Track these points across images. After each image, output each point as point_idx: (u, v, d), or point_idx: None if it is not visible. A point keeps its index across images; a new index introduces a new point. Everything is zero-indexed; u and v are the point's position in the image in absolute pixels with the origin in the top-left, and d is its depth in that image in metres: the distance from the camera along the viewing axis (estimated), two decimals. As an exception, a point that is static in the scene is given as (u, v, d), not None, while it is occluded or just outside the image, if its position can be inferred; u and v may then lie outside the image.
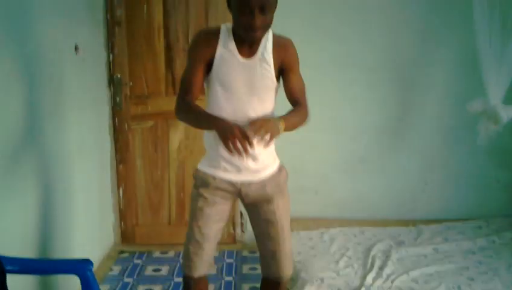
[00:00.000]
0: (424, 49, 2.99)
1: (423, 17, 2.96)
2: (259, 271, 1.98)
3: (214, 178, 1.76)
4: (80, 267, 1.67)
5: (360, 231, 2.95)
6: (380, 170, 3.15)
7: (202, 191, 1.78)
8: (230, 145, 1.51)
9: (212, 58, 1.66)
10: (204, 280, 1.90)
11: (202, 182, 1.79)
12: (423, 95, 3.06)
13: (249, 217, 1.91)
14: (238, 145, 1.50)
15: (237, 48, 1.65)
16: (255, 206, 1.82)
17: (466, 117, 2.97)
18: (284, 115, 1.68)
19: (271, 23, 1.61)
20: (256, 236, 1.90)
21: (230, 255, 3.05)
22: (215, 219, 1.79)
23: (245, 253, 3.11)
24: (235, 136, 1.50)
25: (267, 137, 1.55)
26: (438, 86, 3.03)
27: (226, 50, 1.65)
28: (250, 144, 1.52)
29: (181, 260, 1.92)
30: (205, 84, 1.76)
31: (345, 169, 3.15)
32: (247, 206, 1.87)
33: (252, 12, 1.52)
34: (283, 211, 1.84)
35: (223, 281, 2.75)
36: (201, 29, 1.85)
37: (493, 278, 2.36)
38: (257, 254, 2.00)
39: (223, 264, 2.93)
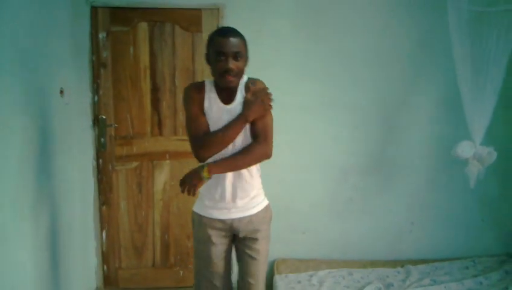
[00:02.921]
0: (409, 89, 3.05)
1: (408, 57, 3.02)
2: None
3: (209, 219, 1.93)
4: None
5: (349, 272, 2.91)
6: (367, 210, 3.14)
7: (199, 231, 1.95)
8: None
9: (202, 105, 1.88)
10: None
11: (198, 223, 1.96)
12: (409, 135, 3.09)
13: (236, 253, 2.04)
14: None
15: (219, 96, 1.88)
16: (243, 244, 1.97)
17: (451, 157, 3.00)
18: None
19: (243, 70, 1.86)
20: (239, 271, 2.03)
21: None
22: (220, 257, 1.95)
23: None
24: None
25: None
26: (423, 126, 3.08)
27: (212, 98, 1.88)
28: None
29: None
30: None
31: (333, 209, 3.13)
32: (238, 242, 1.99)
33: (226, 58, 1.77)
34: (265, 251, 2.00)
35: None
36: (190, 84, 2.03)
37: (482, 322, 2.34)
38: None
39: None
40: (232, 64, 1.77)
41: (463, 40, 2.69)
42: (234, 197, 1.90)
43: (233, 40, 1.77)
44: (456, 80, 2.75)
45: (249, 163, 1.87)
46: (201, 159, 1.85)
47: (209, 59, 1.85)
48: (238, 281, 2.04)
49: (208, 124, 1.86)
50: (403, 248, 3.17)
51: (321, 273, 2.88)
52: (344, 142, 3.07)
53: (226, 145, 1.83)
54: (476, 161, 2.65)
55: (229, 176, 1.88)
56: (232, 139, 1.83)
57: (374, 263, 3.04)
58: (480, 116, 2.72)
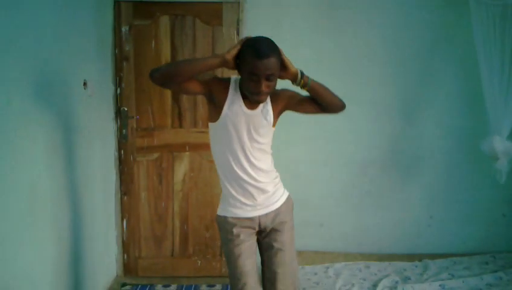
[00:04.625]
0: (428, 83, 3.03)
1: (428, 51, 3.01)
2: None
3: (234, 218, 1.91)
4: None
5: (366, 265, 2.91)
6: (386, 204, 3.14)
7: (227, 234, 1.93)
8: None
9: (219, 100, 1.84)
10: None
11: (224, 225, 1.94)
12: (428, 129, 3.08)
13: (261, 247, 2.00)
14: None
15: (243, 99, 1.84)
16: (269, 237, 1.96)
17: (471, 151, 2.99)
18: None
19: (275, 87, 1.80)
20: (266, 264, 1.98)
21: None
22: (247, 255, 1.91)
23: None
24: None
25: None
26: (442, 120, 3.06)
27: (235, 99, 1.84)
28: None
29: None
30: (212, 129, 1.92)
31: (351, 203, 3.14)
32: (263, 237, 1.98)
33: (259, 80, 1.71)
34: (291, 241, 2.00)
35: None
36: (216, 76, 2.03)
37: (501, 316, 2.32)
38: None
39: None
40: (265, 86, 1.72)
41: (486, 35, 2.68)
42: (254, 195, 1.89)
43: (267, 62, 1.68)
44: (476, 73, 2.74)
45: (334, 99, 1.89)
46: (154, 74, 1.75)
47: (240, 69, 1.77)
48: (264, 273, 1.99)
49: (190, 83, 1.79)
50: (421, 242, 3.15)
51: (337, 265, 2.90)
52: (363, 136, 3.08)
53: (188, 70, 1.74)
54: (505, 156, 2.64)
55: (244, 175, 1.87)
56: (195, 68, 1.75)
57: (391, 257, 3.04)
58: (504, 112, 2.70)
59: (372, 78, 3.00)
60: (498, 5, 2.62)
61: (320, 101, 1.88)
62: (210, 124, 1.91)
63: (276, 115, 1.92)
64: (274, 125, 1.92)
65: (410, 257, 3.03)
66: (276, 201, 1.95)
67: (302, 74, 1.82)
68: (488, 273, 2.77)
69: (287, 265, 1.94)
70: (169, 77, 1.75)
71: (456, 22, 2.96)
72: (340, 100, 1.92)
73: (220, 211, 1.96)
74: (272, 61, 1.70)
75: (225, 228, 1.93)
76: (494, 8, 2.65)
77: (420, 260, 2.99)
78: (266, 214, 1.92)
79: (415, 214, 3.15)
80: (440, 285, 2.64)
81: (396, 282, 2.69)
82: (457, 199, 3.12)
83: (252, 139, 1.86)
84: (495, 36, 2.67)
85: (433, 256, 3.04)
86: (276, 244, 1.93)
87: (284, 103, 1.91)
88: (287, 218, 1.98)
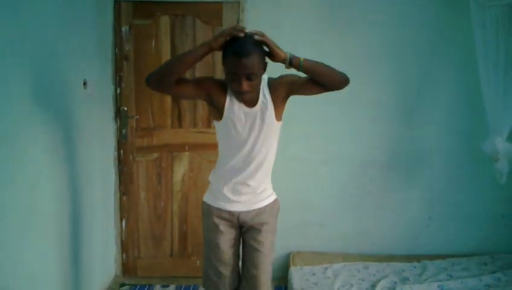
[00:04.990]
0: (429, 84, 3.04)
1: (429, 52, 3.01)
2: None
3: (216, 208, 1.96)
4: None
5: (364, 266, 2.92)
6: (385, 205, 3.14)
7: (208, 220, 1.98)
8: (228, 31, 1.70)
9: (218, 102, 1.85)
10: None
11: (207, 212, 1.99)
12: (428, 130, 3.08)
13: (242, 244, 2.05)
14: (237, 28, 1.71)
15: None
16: (248, 234, 2.00)
17: (471, 152, 3.00)
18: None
19: (259, 85, 1.80)
20: (243, 261, 2.05)
21: None
22: (227, 246, 1.97)
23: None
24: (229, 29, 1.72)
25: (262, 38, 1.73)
26: (443, 120, 3.07)
27: (233, 99, 1.84)
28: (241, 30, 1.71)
29: (203, 282, 2.07)
30: (216, 127, 1.93)
31: (350, 203, 3.15)
32: (244, 233, 2.02)
33: (239, 79, 1.71)
34: (270, 243, 2.01)
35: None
36: (212, 77, 2.04)
37: (500, 317, 2.32)
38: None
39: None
40: (246, 85, 1.72)
41: (486, 36, 2.69)
42: (242, 193, 1.93)
43: (246, 60, 1.67)
44: (476, 75, 2.75)
45: (334, 75, 1.82)
46: (149, 79, 1.78)
47: (224, 70, 1.78)
48: (242, 271, 2.05)
49: (186, 83, 1.82)
50: (420, 243, 3.16)
51: (336, 266, 2.90)
52: (363, 137, 3.08)
53: (179, 65, 1.74)
54: (505, 157, 2.65)
55: (243, 174, 1.90)
56: (185, 61, 1.74)
57: (390, 258, 3.04)
58: (503, 113, 2.71)
59: (372, 78, 3.00)
60: (498, 5, 2.63)
61: (319, 80, 1.81)
62: (214, 122, 1.93)
63: (280, 106, 1.88)
64: (279, 119, 1.89)
65: (409, 258, 3.04)
66: (261, 201, 1.97)
67: (291, 56, 1.77)
68: (487, 274, 2.78)
69: (262, 267, 1.98)
70: (163, 78, 1.75)
71: (456, 23, 2.96)
72: (342, 74, 1.84)
73: (205, 198, 2.02)
74: (252, 59, 1.68)
75: (208, 215, 1.98)
76: (494, 9, 2.65)
77: (419, 261, 2.99)
78: (247, 211, 1.95)
79: (414, 214, 3.15)
80: (438, 286, 2.64)
81: (395, 283, 2.69)
82: (456, 200, 3.13)
83: (255, 137, 1.86)
84: (495, 37, 2.68)
85: (432, 257, 3.04)
86: (254, 244, 1.97)
87: (284, 90, 1.86)
88: (269, 220, 1.99)
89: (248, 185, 1.92)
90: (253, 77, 1.72)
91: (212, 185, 2.01)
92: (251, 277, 1.99)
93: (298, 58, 1.77)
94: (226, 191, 1.93)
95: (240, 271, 2.07)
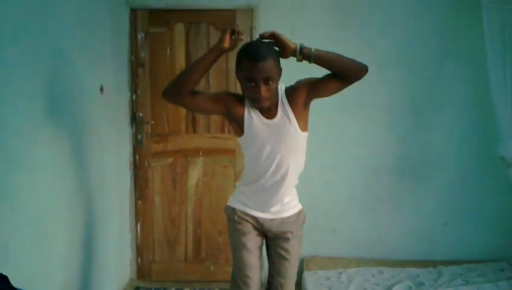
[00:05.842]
0: (439, 88, 3.03)
1: (439, 56, 3.02)
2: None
3: (241, 211, 1.95)
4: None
5: (379, 271, 2.90)
6: (399, 210, 3.13)
7: (234, 224, 1.96)
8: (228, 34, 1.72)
9: (237, 115, 1.83)
10: None
11: (232, 216, 1.97)
12: (442, 135, 3.07)
13: (267, 252, 2.03)
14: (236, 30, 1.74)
15: (260, 110, 1.81)
16: (274, 242, 1.98)
17: (486, 157, 2.98)
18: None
19: (276, 91, 1.78)
20: (269, 269, 2.03)
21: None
22: (252, 248, 1.94)
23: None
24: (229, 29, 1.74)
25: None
26: (457, 125, 3.06)
27: (252, 112, 1.82)
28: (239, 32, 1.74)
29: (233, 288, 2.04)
30: (240, 143, 1.92)
31: (363, 208, 3.14)
32: (268, 241, 2.01)
33: (257, 85, 1.68)
34: (296, 252, 1.99)
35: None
36: (229, 91, 2.05)
37: (517, 323, 2.29)
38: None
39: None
40: (263, 91, 1.68)
41: (497, 40, 2.68)
42: (268, 205, 1.91)
43: (262, 64, 1.64)
44: (487, 79, 2.74)
45: (349, 62, 1.77)
46: (165, 91, 1.78)
47: (238, 78, 1.77)
48: (268, 280, 2.04)
49: (203, 96, 1.83)
50: (434, 248, 3.13)
51: (350, 271, 2.89)
52: (374, 141, 3.08)
53: (192, 73, 1.73)
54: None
55: (268, 187, 1.87)
56: (196, 69, 1.73)
57: (404, 263, 3.01)
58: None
59: (383, 83, 3.01)
60: (510, 9, 2.63)
61: (334, 70, 1.76)
62: (237, 138, 1.91)
63: (302, 113, 1.84)
64: (304, 128, 1.85)
65: (424, 263, 3.01)
66: (286, 211, 1.95)
67: (301, 46, 1.74)
68: (503, 280, 2.74)
69: (289, 276, 1.96)
70: (178, 88, 1.75)
71: (467, 28, 2.96)
72: (358, 63, 1.77)
73: (230, 202, 2.00)
74: (268, 62, 1.66)
75: (233, 218, 1.96)
76: (506, 13, 2.65)
77: (434, 267, 2.97)
78: (271, 219, 1.93)
79: (429, 220, 3.13)
80: (454, 291, 2.62)
81: (410, 288, 2.67)
82: (472, 205, 3.10)
83: (280, 148, 1.82)
84: (506, 41, 2.67)
85: (448, 263, 3.01)
86: (282, 252, 1.95)
87: (303, 95, 1.81)
88: (295, 229, 1.96)
89: (274, 198, 1.90)
90: (271, 81, 1.69)
91: (237, 190, 2.00)
92: (278, 286, 1.96)
93: (309, 48, 1.74)
94: (252, 200, 1.93)
95: (263, 280, 2.05)
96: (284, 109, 1.81)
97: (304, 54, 1.74)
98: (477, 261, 3.03)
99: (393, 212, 3.13)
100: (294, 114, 1.82)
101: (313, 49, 1.74)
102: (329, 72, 1.80)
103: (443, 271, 2.89)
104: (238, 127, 1.85)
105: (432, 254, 3.11)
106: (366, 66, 1.79)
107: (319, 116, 2.93)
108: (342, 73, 1.77)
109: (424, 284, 2.72)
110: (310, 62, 1.76)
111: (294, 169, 1.89)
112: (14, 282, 1.51)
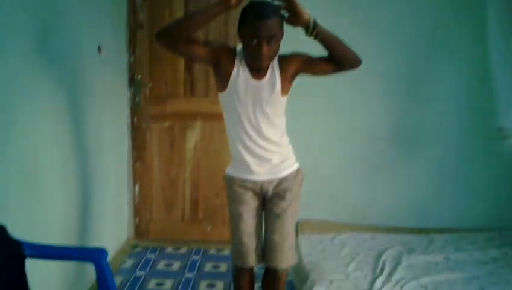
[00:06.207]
0: (440, 59, 3.01)
1: (440, 26, 2.98)
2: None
3: (238, 179, 1.97)
4: (95, 255, 1.73)
5: (372, 236, 2.95)
6: (394, 178, 3.15)
7: (231, 191, 1.99)
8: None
9: (226, 70, 1.82)
10: (252, 270, 2.09)
11: (230, 183, 2.00)
12: (439, 107, 3.06)
13: (264, 212, 2.05)
14: None
15: (248, 69, 1.81)
16: (271, 202, 1.99)
17: (482, 129, 2.99)
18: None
19: (277, 52, 1.76)
20: (265, 230, 2.04)
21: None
22: (249, 216, 1.96)
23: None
24: None
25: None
26: (452, 96, 3.04)
27: (241, 70, 1.82)
28: None
29: (231, 253, 2.09)
30: (220, 99, 1.91)
31: (359, 175, 3.17)
32: (266, 201, 2.02)
33: (260, 43, 1.67)
34: (292, 210, 1.99)
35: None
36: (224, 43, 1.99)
37: (504, 288, 2.34)
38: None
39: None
40: (266, 49, 1.68)
41: (499, 13, 2.64)
42: (260, 164, 1.92)
43: (268, 22, 1.64)
44: (487, 51, 2.71)
45: (348, 51, 1.81)
46: (160, 34, 1.72)
47: (241, 35, 1.75)
48: (265, 239, 2.04)
49: (197, 45, 1.78)
50: (428, 217, 3.17)
51: (344, 235, 2.94)
52: (373, 110, 3.08)
53: (192, 22, 1.70)
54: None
55: (252, 145, 1.88)
56: (199, 19, 1.71)
57: (398, 230, 3.06)
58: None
59: (382, 52, 2.97)
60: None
61: (333, 54, 1.80)
62: (219, 93, 1.91)
63: (287, 82, 1.86)
64: (285, 93, 1.86)
65: (416, 231, 3.05)
66: (283, 170, 1.96)
67: (315, 22, 1.74)
68: (494, 249, 2.78)
69: (284, 233, 1.96)
70: (174, 34, 1.70)
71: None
72: (355, 54, 1.83)
73: (228, 170, 2.02)
74: (273, 22, 1.66)
75: (231, 186, 1.98)
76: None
77: (427, 234, 3.01)
78: (269, 181, 1.95)
79: (424, 188, 3.16)
80: (444, 257, 2.66)
81: (401, 253, 2.71)
82: (466, 175, 3.12)
83: (259, 109, 1.83)
84: (508, 13, 2.62)
85: (440, 231, 3.06)
86: (277, 211, 1.96)
87: (295, 66, 1.84)
88: (293, 187, 1.98)
89: (263, 158, 1.91)
90: (274, 41, 1.68)
91: (232, 158, 2.01)
92: (274, 244, 1.96)
93: (321, 25, 1.74)
94: (245, 164, 1.93)
95: (263, 243, 2.05)
96: (273, 73, 1.82)
97: (315, 30, 1.74)
98: (470, 229, 3.07)
99: (389, 181, 3.16)
100: (281, 81, 1.83)
101: (323, 29, 1.75)
102: (325, 54, 1.83)
103: (435, 238, 2.93)
104: (223, 81, 1.84)
105: (426, 222, 3.16)
106: (360, 59, 1.85)
107: (317, 85, 2.93)
108: (339, 59, 1.81)
109: (415, 250, 2.76)
110: (315, 38, 1.77)
111: (273, 130, 1.89)
112: (13, 233, 1.55)
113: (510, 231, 3.04)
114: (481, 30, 2.74)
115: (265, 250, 2.02)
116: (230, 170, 2.01)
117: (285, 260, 2.00)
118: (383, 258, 2.62)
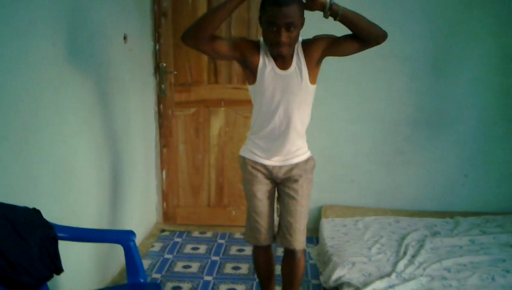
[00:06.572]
0: (463, 40, 2.95)
1: (463, 8, 2.91)
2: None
3: (251, 161, 2.02)
4: (124, 237, 1.82)
5: (395, 220, 2.96)
6: (419, 162, 3.14)
7: (245, 172, 2.05)
8: None
9: (251, 63, 1.85)
10: (269, 249, 2.18)
11: (244, 165, 2.05)
12: (464, 88, 3.01)
13: (278, 194, 2.11)
14: None
15: (274, 60, 1.83)
16: (284, 185, 2.04)
17: (505, 109, 2.92)
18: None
19: (297, 39, 1.77)
20: (280, 212, 2.09)
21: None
22: (263, 196, 2.03)
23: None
24: None
25: None
26: (479, 79, 2.99)
27: (266, 61, 1.84)
28: None
29: (245, 232, 2.16)
30: (250, 91, 1.95)
31: (383, 160, 3.16)
32: (278, 185, 2.08)
33: (278, 30, 1.69)
34: (305, 192, 2.03)
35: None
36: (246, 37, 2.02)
37: (530, 271, 2.32)
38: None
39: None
40: (284, 36, 1.69)
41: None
42: (277, 153, 1.96)
43: (286, 9, 1.65)
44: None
45: (372, 26, 1.76)
46: (184, 35, 1.76)
47: (261, 23, 1.76)
48: (279, 222, 2.09)
49: (221, 41, 1.80)
50: (454, 200, 3.15)
51: (367, 219, 2.96)
52: (395, 94, 3.06)
53: (213, 18, 1.71)
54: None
55: (277, 135, 1.92)
56: (221, 14, 1.71)
57: (422, 213, 3.07)
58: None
59: (405, 34, 2.94)
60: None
61: (356, 31, 1.76)
62: (249, 86, 1.94)
63: (314, 67, 1.86)
64: (313, 81, 1.88)
65: (442, 214, 3.05)
66: (294, 158, 1.99)
67: (332, 2, 1.72)
68: (521, 231, 2.75)
69: (297, 215, 2.00)
70: (198, 32, 1.72)
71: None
72: (379, 28, 1.78)
73: (242, 152, 2.07)
74: (292, 9, 1.66)
75: (245, 167, 2.04)
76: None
77: (452, 217, 3.00)
78: (280, 166, 1.99)
79: (449, 172, 3.13)
80: (470, 240, 2.65)
81: (425, 236, 2.72)
82: (493, 159, 3.08)
83: (288, 99, 1.85)
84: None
85: (466, 214, 3.04)
86: (290, 192, 2.00)
87: (320, 50, 1.83)
88: (303, 173, 2.00)
89: (283, 147, 1.95)
90: (292, 28, 1.69)
91: (248, 140, 2.06)
92: (287, 225, 2.01)
93: (339, 5, 1.72)
94: (261, 150, 1.98)
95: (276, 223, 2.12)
96: (299, 61, 1.83)
97: (332, 11, 1.73)
98: (495, 213, 3.04)
99: (412, 164, 3.14)
100: (308, 68, 1.84)
101: (341, 8, 1.73)
102: (349, 32, 1.80)
103: (460, 221, 2.92)
104: (252, 74, 1.87)
105: (451, 206, 3.15)
106: (386, 32, 1.79)
107: (338, 69, 2.94)
108: (364, 36, 1.77)
109: (440, 233, 2.77)
110: (335, 19, 1.75)
111: (301, 121, 1.92)
112: (47, 217, 1.65)
113: (538, 214, 3.00)
114: (507, 9, 2.66)
115: (281, 231, 2.06)
116: (243, 152, 2.07)
117: (299, 242, 2.03)
118: (407, 241, 2.63)
